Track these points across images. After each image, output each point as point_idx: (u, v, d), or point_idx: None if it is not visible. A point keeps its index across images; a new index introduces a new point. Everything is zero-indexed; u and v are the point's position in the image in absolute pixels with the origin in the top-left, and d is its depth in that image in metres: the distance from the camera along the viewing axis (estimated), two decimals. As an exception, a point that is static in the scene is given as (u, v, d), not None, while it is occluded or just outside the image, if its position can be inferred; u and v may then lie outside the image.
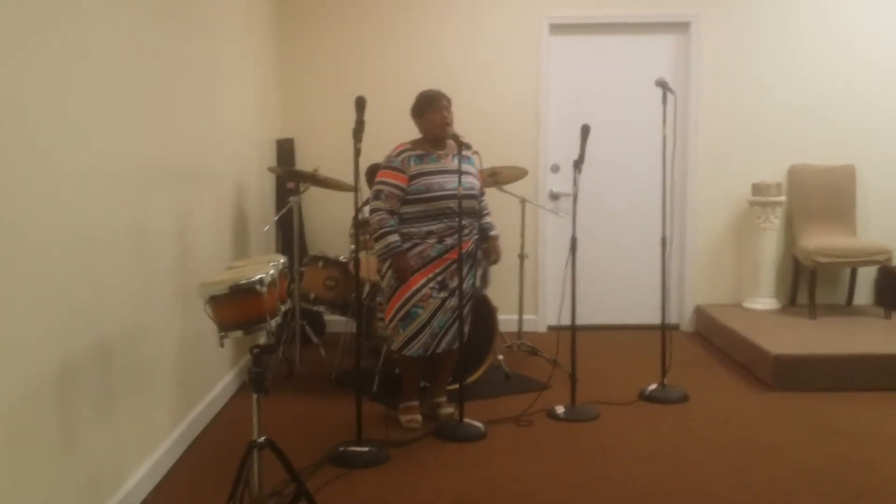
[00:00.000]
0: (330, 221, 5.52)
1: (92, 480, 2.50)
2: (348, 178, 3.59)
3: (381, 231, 3.50)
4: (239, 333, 2.43)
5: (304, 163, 5.46)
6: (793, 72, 5.52)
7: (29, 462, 2.13)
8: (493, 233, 3.80)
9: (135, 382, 2.87)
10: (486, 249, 3.78)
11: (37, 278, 2.15)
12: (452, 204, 3.48)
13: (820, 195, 5.45)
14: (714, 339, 5.26)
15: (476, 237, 3.69)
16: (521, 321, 5.04)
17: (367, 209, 4.20)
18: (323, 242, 5.50)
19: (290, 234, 4.81)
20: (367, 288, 4.33)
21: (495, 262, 3.86)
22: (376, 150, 3.97)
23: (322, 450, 3.33)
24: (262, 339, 2.52)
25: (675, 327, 5.63)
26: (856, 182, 5.48)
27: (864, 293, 5.64)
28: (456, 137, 3.52)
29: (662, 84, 4.11)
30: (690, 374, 4.48)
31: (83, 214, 2.43)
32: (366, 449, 3.26)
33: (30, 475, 2.13)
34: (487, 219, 3.80)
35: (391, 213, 3.51)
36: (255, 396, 2.44)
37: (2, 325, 1.98)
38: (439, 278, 3.55)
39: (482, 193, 3.83)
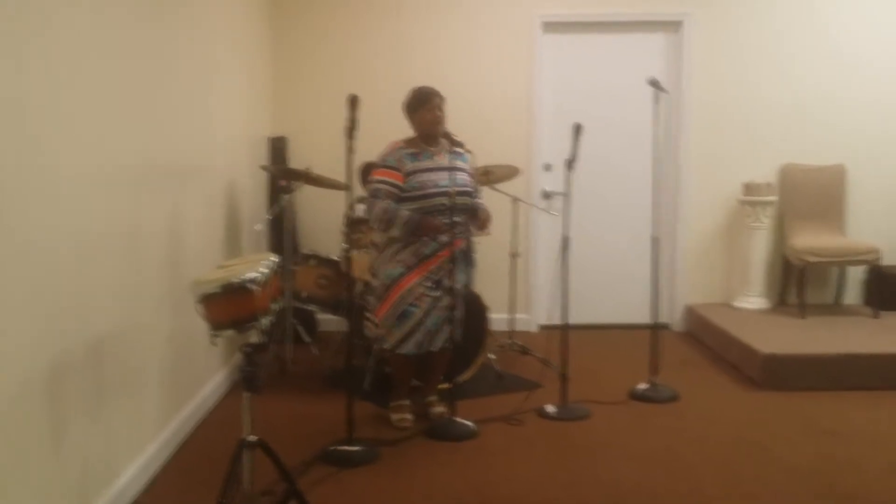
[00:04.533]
0: (322, 220, 5.51)
1: (81, 480, 2.49)
2: (341, 177, 3.59)
3: (390, 215, 3.45)
4: (231, 332, 2.43)
5: (296, 161, 5.45)
6: (784, 71, 5.55)
7: (18, 461, 2.12)
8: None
9: (125, 381, 2.86)
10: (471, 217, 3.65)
11: (26, 278, 2.14)
12: (446, 201, 3.48)
13: (810, 195, 5.48)
14: (704, 338, 5.28)
15: (469, 235, 3.69)
16: (512, 320, 5.05)
17: (359, 207, 4.20)
18: (315, 241, 5.49)
19: (282, 232, 4.80)
20: (359, 287, 4.33)
21: (482, 223, 3.67)
22: (369, 148, 3.97)
23: (313, 449, 3.33)
24: (254, 338, 2.52)
25: (666, 327, 5.65)
26: (846, 182, 5.52)
27: (853, 293, 5.67)
28: (448, 136, 3.51)
29: (654, 83, 4.11)
30: (681, 374, 4.50)
31: (73, 213, 2.42)
32: (357, 448, 3.27)
33: (18, 475, 2.12)
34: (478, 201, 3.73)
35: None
36: (245, 395, 2.44)
37: (-9, 324, 1.98)
38: (434, 276, 3.55)
39: (477, 193, 3.82)
